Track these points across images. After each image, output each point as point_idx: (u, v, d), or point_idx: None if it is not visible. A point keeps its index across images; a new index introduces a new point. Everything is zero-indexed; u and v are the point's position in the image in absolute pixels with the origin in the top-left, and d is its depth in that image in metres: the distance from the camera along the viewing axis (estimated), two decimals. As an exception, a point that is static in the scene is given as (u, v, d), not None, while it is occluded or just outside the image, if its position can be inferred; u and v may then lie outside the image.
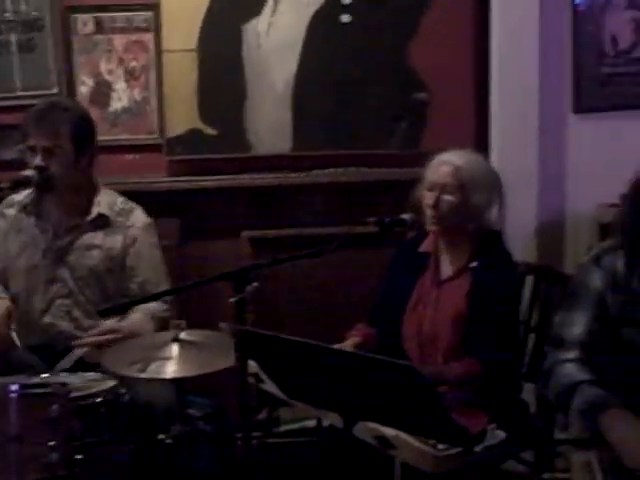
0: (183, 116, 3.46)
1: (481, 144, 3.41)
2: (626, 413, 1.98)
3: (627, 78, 3.42)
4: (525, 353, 2.88)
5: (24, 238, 2.90)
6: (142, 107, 3.51)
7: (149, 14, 3.46)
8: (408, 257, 2.78)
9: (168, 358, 2.35)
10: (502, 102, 3.41)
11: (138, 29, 3.48)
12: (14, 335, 2.72)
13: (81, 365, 2.65)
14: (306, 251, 2.39)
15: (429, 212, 2.62)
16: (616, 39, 3.40)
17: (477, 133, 3.49)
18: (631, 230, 2.09)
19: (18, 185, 2.81)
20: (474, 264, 2.62)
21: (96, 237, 2.88)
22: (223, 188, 3.48)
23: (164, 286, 2.85)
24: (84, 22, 3.47)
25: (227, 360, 2.17)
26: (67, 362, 2.64)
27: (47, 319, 2.87)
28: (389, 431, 2.11)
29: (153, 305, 2.76)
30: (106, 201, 2.90)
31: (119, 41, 3.48)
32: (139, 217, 2.93)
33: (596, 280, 2.15)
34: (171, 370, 2.32)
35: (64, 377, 2.49)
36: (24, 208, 2.92)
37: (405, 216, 2.56)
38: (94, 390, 2.43)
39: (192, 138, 3.46)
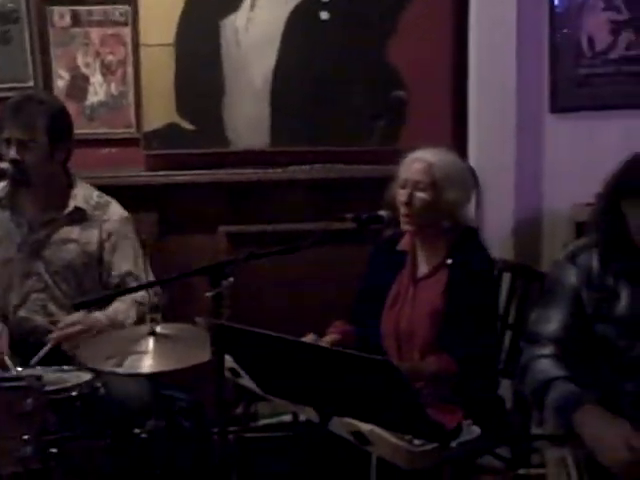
0: (160, 110, 3.44)
1: (459, 142, 3.43)
2: (600, 409, 2.00)
3: (604, 79, 3.44)
4: (502, 349, 2.90)
5: (-1, 232, 2.88)
6: (119, 101, 3.49)
7: (126, 8, 3.43)
8: (386, 255, 2.78)
9: (144, 352, 2.34)
10: (480, 101, 3.43)
11: (115, 23, 3.45)
12: (7, 360, 2.66)
13: (63, 358, 2.64)
14: (283, 247, 2.38)
15: (402, 209, 2.62)
16: (593, 40, 3.43)
17: (455, 131, 3.50)
18: (606, 229, 2.11)
19: (-7, 177, 2.79)
20: (450, 261, 2.63)
21: (72, 231, 2.86)
22: (201, 183, 3.46)
23: (145, 278, 2.84)
24: (61, 15, 3.44)
25: (203, 354, 2.16)
26: (37, 358, 2.61)
27: (22, 313, 2.85)
28: (365, 426, 2.12)
29: (140, 294, 2.75)
30: (82, 195, 2.89)
31: (96, 34, 3.45)
32: (115, 211, 2.92)
33: (571, 277, 2.17)
34: (147, 364, 2.31)
35: (39, 371, 2.47)
36: (-1, 201, 2.91)
37: (382, 213, 2.57)
38: (69, 384, 2.42)
39: (170, 132, 3.44)
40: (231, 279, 2.12)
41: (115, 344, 2.40)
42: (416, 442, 2.06)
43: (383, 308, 2.69)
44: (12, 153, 2.75)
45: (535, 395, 2.13)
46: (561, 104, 3.45)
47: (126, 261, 2.87)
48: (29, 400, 2.21)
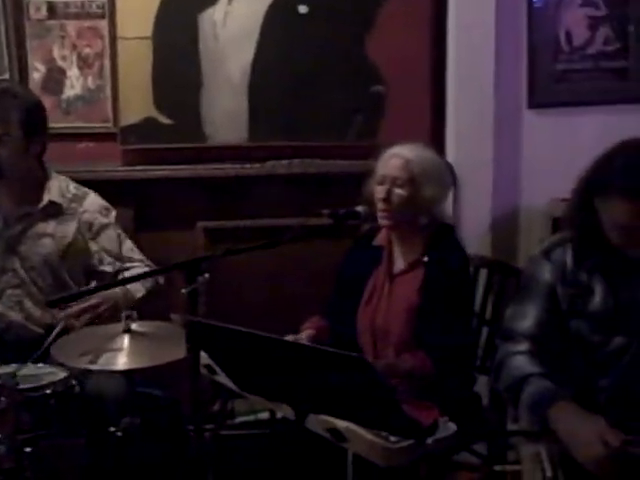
0: (138, 105, 3.41)
1: (437, 138, 3.44)
2: (574, 406, 2.01)
3: (582, 74, 3.46)
4: (479, 346, 2.90)
5: (-27, 227, 2.85)
6: (96, 95, 3.46)
7: (103, 0, 3.40)
8: (363, 250, 2.78)
9: (119, 349, 2.33)
10: (458, 97, 3.43)
11: (92, 15, 3.42)
12: None
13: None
14: (260, 242, 2.37)
15: (380, 205, 2.62)
16: (571, 36, 3.44)
17: (433, 127, 3.50)
18: (580, 224, 2.12)
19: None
20: (426, 258, 2.63)
21: (48, 226, 2.84)
22: (178, 178, 3.44)
23: (138, 260, 2.86)
24: (37, 7, 3.41)
25: (178, 351, 2.15)
26: (50, 339, 2.58)
27: (-3, 309, 2.83)
28: (341, 423, 2.12)
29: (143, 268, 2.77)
30: (57, 188, 2.86)
31: (72, 27, 3.42)
32: (94, 201, 2.91)
33: (546, 273, 2.18)
34: (122, 362, 2.30)
35: (12, 368, 2.45)
36: (-27, 196, 2.87)
37: (359, 208, 2.57)
38: (44, 382, 2.40)
39: (147, 127, 3.42)
40: (207, 275, 2.11)
41: (90, 341, 2.39)
42: (392, 439, 2.06)
43: (358, 303, 2.69)
44: (-14, 147, 2.72)
45: (510, 391, 2.14)
46: (539, 100, 3.46)
47: (115, 247, 2.87)
48: (2, 398, 2.19)
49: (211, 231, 3.46)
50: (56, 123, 3.24)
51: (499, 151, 3.39)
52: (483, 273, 2.99)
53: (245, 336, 1.92)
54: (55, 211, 2.85)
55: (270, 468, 2.59)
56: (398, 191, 2.60)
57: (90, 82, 3.46)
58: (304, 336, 2.65)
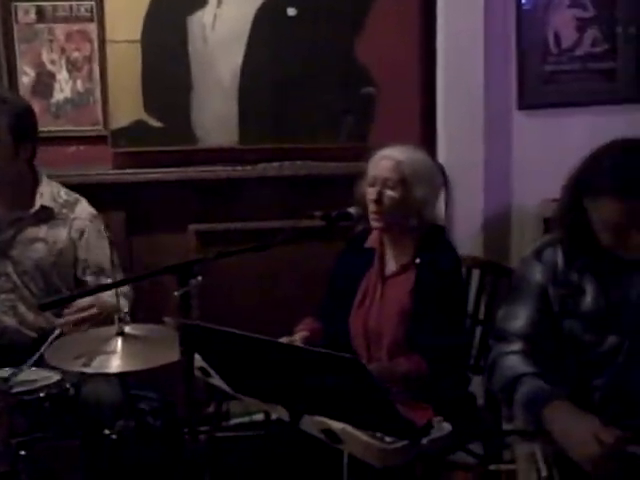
0: (128, 108, 3.41)
1: (428, 140, 3.44)
2: (568, 405, 2.01)
3: (570, 76, 3.47)
4: (472, 346, 2.91)
5: (-36, 233, 2.84)
6: (85, 98, 3.45)
7: (91, 3, 3.40)
8: (355, 252, 2.78)
9: (112, 352, 2.32)
10: (448, 98, 3.44)
11: (81, 19, 3.41)
12: None
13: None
14: (251, 245, 2.37)
15: (372, 207, 2.62)
16: (559, 37, 3.45)
17: (424, 128, 3.51)
18: (569, 224, 2.12)
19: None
20: (418, 260, 2.63)
21: (40, 230, 2.83)
22: (169, 181, 3.44)
23: (119, 276, 2.82)
24: (25, 10, 3.40)
25: (172, 354, 2.14)
26: (47, 345, 2.57)
27: (-10, 314, 2.82)
28: (336, 425, 2.11)
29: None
30: (49, 192, 2.86)
31: (61, 30, 3.41)
32: (84, 208, 2.90)
33: (537, 274, 2.18)
34: (116, 364, 2.29)
35: (6, 372, 2.44)
36: (-36, 202, 2.86)
37: (351, 210, 2.56)
38: (38, 385, 2.39)
39: (137, 130, 3.42)
40: (199, 278, 2.11)
41: (83, 344, 2.38)
42: (387, 439, 2.06)
43: (351, 305, 2.69)
44: (-25, 152, 2.71)
45: (504, 391, 2.14)
46: (528, 101, 3.47)
47: (100, 259, 2.85)
48: (-4, 402, 2.18)
49: (203, 234, 3.46)
50: (46, 127, 3.25)
51: (490, 152, 3.40)
52: (475, 274, 3.00)
53: (238, 338, 1.91)
54: (47, 216, 2.84)
55: (265, 469, 2.58)
56: (389, 192, 2.61)
57: (80, 85, 3.45)
58: (297, 338, 2.65)
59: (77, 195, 2.92)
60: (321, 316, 2.78)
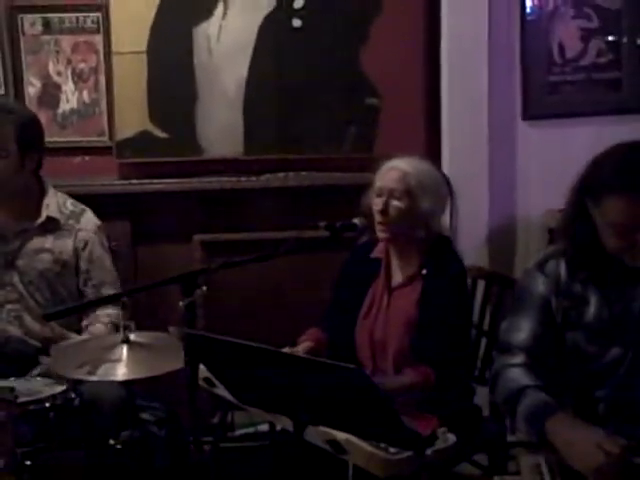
0: (133, 118, 3.43)
1: (432, 150, 3.44)
2: (571, 418, 2.01)
3: (574, 86, 3.47)
4: (477, 357, 2.91)
5: (-29, 243, 2.84)
6: (91, 109, 3.47)
7: (98, 15, 3.42)
8: (361, 263, 2.78)
9: (117, 360, 2.31)
10: (452, 109, 3.44)
11: (87, 30, 3.44)
12: None
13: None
14: (255, 255, 2.38)
15: (378, 218, 2.62)
16: (564, 48, 3.45)
17: (428, 139, 3.51)
18: (574, 234, 2.12)
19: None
20: (424, 271, 2.63)
21: (46, 241, 2.84)
22: (174, 191, 3.45)
23: (118, 289, 2.83)
24: (32, 22, 3.42)
25: (177, 362, 2.14)
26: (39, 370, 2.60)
27: (-4, 324, 2.82)
28: (341, 435, 2.11)
29: (109, 311, 2.74)
30: (55, 203, 2.87)
31: (67, 42, 3.44)
32: (90, 220, 2.90)
33: (540, 286, 2.17)
34: (120, 372, 2.29)
35: (12, 382, 2.45)
36: (-30, 212, 2.87)
37: (356, 220, 2.57)
38: (43, 395, 2.40)
39: (142, 141, 3.43)
40: (204, 288, 2.11)
41: (88, 352, 2.38)
42: (391, 450, 2.06)
43: (356, 316, 2.69)
44: (-18, 163, 2.72)
45: (507, 403, 2.13)
46: (533, 111, 3.47)
47: (102, 271, 2.86)
48: (1, 412, 2.18)
49: (208, 244, 3.47)
50: (52, 137, 3.27)
51: (494, 163, 3.41)
52: (481, 284, 3.00)
53: (243, 348, 1.92)
54: (53, 226, 2.85)
55: (270, 480, 2.59)
56: (395, 203, 2.61)
57: (85, 96, 3.47)
58: (301, 349, 2.65)
59: (83, 206, 2.93)
60: (325, 326, 2.77)
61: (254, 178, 3.49)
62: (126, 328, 2.39)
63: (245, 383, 2.07)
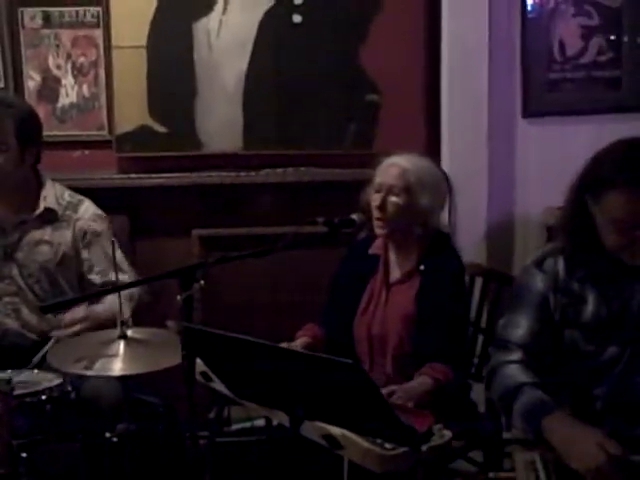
0: (133, 113, 3.43)
1: (432, 147, 3.44)
2: (568, 417, 2.01)
3: (575, 84, 3.47)
4: (474, 354, 2.91)
5: (-30, 236, 2.84)
6: (91, 103, 3.47)
7: (98, 9, 3.42)
8: (359, 259, 2.78)
9: (114, 355, 2.32)
10: (452, 106, 3.44)
11: (87, 24, 3.43)
12: None
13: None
14: (253, 250, 2.38)
15: (376, 214, 2.63)
16: (564, 45, 3.45)
17: (428, 136, 3.51)
18: (573, 231, 2.12)
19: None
20: (422, 267, 2.63)
21: (44, 233, 2.84)
22: (173, 186, 3.45)
23: (127, 274, 2.83)
24: (32, 16, 3.42)
25: (174, 358, 2.14)
26: (39, 357, 2.60)
27: (-7, 316, 2.82)
28: (336, 430, 2.11)
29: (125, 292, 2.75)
30: (53, 195, 2.87)
31: (67, 36, 3.43)
32: (88, 209, 2.90)
33: (538, 283, 2.16)
34: (117, 367, 2.29)
35: (8, 374, 2.45)
36: (-32, 206, 2.87)
37: (354, 216, 2.56)
38: (39, 387, 2.40)
39: (142, 135, 3.43)
40: (202, 282, 2.11)
41: (85, 347, 2.38)
42: (387, 446, 2.05)
43: (354, 312, 2.69)
44: (-19, 157, 2.72)
45: (503, 400, 2.13)
46: (532, 109, 3.47)
47: (105, 259, 2.86)
48: (-3, 404, 2.18)
49: (206, 239, 3.47)
50: (51, 131, 3.27)
51: (493, 160, 3.40)
52: (478, 281, 3.00)
53: (240, 343, 1.92)
54: (51, 218, 2.85)
55: (266, 475, 2.59)
56: (394, 199, 2.62)
57: (85, 90, 3.47)
58: (298, 344, 2.66)
59: (81, 196, 2.93)
60: (323, 322, 2.78)
61: (253, 173, 3.49)
62: (124, 324, 2.39)
63: (242, 377, 2.07)
